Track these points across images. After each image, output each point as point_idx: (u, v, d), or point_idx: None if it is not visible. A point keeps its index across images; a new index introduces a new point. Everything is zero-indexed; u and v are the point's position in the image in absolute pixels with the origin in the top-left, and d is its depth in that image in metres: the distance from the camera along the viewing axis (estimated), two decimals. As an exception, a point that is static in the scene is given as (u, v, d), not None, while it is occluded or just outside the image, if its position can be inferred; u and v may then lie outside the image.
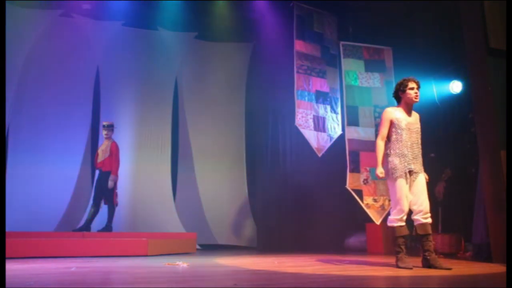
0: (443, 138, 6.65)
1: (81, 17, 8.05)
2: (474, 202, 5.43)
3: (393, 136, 4.04)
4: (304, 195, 7.93)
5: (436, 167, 6.50)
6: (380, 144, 4.07)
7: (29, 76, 7.72)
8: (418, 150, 4.04)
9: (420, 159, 4.05)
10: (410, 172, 3.96)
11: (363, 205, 6.44)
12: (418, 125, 4.13)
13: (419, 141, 4.09)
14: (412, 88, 4.07)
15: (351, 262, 4.64)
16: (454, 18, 5.79)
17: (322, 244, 7.44)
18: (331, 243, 7.54)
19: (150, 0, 8.12)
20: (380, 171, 4.00)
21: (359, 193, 6.50)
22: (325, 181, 7.72)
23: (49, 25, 7.85)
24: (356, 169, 6.59)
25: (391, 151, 4.03)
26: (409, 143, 4.01)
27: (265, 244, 7.72)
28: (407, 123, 4.04)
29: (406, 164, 3.95)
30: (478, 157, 5.14)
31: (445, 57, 6.62)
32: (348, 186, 6.53)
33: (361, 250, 7.18)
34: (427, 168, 4.16)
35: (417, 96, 4.08)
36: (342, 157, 6.78)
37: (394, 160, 3.98)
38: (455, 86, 6.52)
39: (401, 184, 3.92)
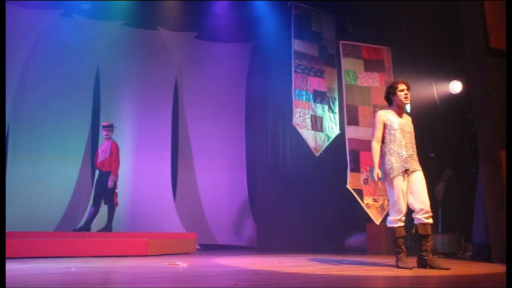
0: (443, 138, 6.65)
1: (81, 17, 8.05)
2: (474, 202, 5.43)
3: (387, 138, 4.08)
4: (304, 195, 7.93)
5: (436, 167, 6.50)
6: (376, 146, 4.11)
7: (29, 76, 7.72)
8: (412, 150, 4.07)
9: (415, 158, 4.07)
10: (407, 171, 3.97)
11: (363, 205, 6.44)
12: (411, 126, 4.16)
13: (413, 141, 4.12)
14: (402, 90, 4.11)
15: (351, 262, 4.64)
16: (454, 18, 5.79)
17: (322, 244, 7.44)
18: (331, 243, 7.54)
19: (150, 0, 8.13)
20: (377, 171, 4.01)
21: (359, 192, 6.50)
22: (325, 181, 7.72)
23: (49, 25, 7.85)
24: (356, 169, 6.59)
25: (387, 151, 4.06)
26: (403, 143, 4.03)
27: (265, 244, 7.72)
28: (399, 124, 4.09)
29: (402, 163, 3.97)
30: (478, 157, 5.14)
31: (445, 57, 6.62)
32: (349, 185, 6.52)
33: (361, 250, 7.18)
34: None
35: (407, 97, 4.12)
36: (342, 156, 6.78)
37: (391, 159, 4.00)
38: (455, 86, 6.51)
39: (399, 183, 3.94)
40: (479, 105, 5.04)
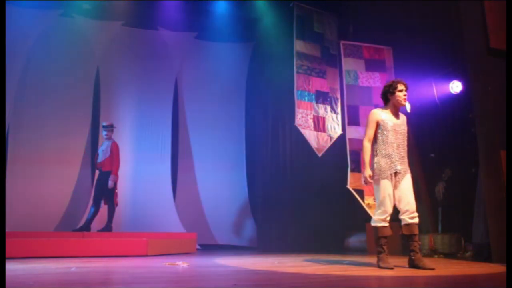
0: (443, 138, 6.65)
1: (81, 17, 8.04)
2: (474, 202, 5.43)
3: (379, 138, 4.05)
4: (304, 195, 7.93)
5: (436, 167, 6.51)
6: (367, 146, 4.08)
7: (29, 76, 7.71)
8: (404, 152, 4.05)
9: (406, 160, 4.05)
10: (396, 173, 3.96)
11: (364, 205, 6.43)
12: (404, 127, 4.13)
13: (405, 142, 4.10)
14: (401, 90, 4.07)
15: (351, 262, 4.64)
16: (454, 18, 5.79)
17: (322, 244, 7.44)
18: (331, 243, 7.54)
19: (150, 0, 8.13)
20: (368, 173, 4.00)
21: (360, 193, 6.49)
22: (325, 181, 7.72)
23: (49, 25, 7.85)
24: (357, 169, 6.58)
25: (377, 152, 4.05)
26: (395, 144, 4.01)
27: (265, 244, 7.72)
28: (393, 124, 4.05)
29: (392, 165, 3.96)
30: (478, 157, 5.14)
31: (445, 57, 6.62)
32: (349, 186, 6.51)
33: (361, 250, 7.18)
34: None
35: (405, 98, 4.09)
36: (342, 157, 6.78)
37: (381, 161, 3.99)
38: (455, 86, 6.51)
39: (386, 185, 3.93)
40: (479, 105, 5.03)
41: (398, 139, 4.03)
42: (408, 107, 6.86)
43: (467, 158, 6.07)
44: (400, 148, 4.02)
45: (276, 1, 7.96)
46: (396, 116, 4.12)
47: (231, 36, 8.69)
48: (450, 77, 6.58)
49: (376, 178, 3.98)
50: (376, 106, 6.93)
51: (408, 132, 4.18)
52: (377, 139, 4.07)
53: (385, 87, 4.20)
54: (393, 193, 3.94)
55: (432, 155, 6.55)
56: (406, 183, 3.95)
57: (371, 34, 7.53)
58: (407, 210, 3.90)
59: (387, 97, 4.15)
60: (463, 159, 6.29)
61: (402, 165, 3.98)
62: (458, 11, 5.41)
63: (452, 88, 6.57)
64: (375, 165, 4.01)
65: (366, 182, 4.07)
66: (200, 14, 8.41)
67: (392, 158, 3.97)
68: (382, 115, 4.09)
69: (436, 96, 6.77)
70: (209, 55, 8.88)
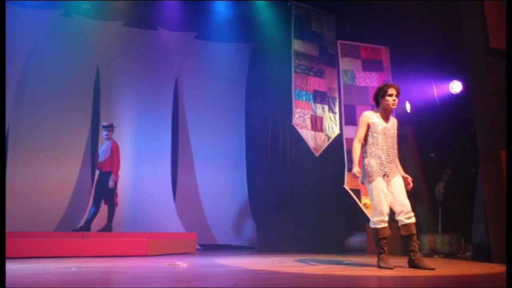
0: (443, 138, 6.65)
1: (81, 17, 8.04)
2: (474, 202, 5.43)
3: (369, 140, 4.07)
4: (304, 195, 7.93)
5: (436, 167, 6.51)
6: (357, 146, 4.09)
7: (29, 76, 7.71)
8: (393, 155, 4.07)
9: (396, 163, 4.07)
10: (385, 175, 3.97)
11: (360, 205, 6.44)
12: (394, 131, 4.15)
13: (395, 146, 4.12)
14: (391, 95, 4.05)
15: (351, 262, 4.64)
16: (454, 18, 5.79)
17: (322, 244, 7.44)
18: (331, 243, 7.54)
19: (150, 0, 8.12)
20: (357, 169, 4.01)
21: (357, 192, 6.50)
22: (326, 181, 7.72)
23: (49, 25, 7.85)
24: (353, 169, 6.59)
25: (367, 154, 4.06)
26: (385, 147, 4.03)
27: (265, 244, 7.72)
28: (383, 128, 4.07)
29: (382, 167, 3.98)
30: (478, 157, 5.13)
31: (445, 57, 6.62)
32: (346, 185, 6.52)
33: (361, 250, 7.18)
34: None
35: (394, 103, 4.07)
36: (342, 156, 6.78)
37: (371, 162, 4.00)
38: (455, 86, 6.51)
39: (379, 185, 3.94)
40: (479, 105, 5.03)
41: (387, 142, 4.06)
42: (408, 107, 6.87)
43: (467, 158, 6.07)
44: (390, 151, 4.04)
45: (274, 0, 7.97)
46: (386, 119, 4.13)
47: (230, 36, 8.69)
48: (450, 77, 6.58)
49: (368, 180, 3.99)
50: (373, 106, 6.96)
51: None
52: (367, 141, 4.09)
53: (376, 90, 4.20)
54: (386, 193, 3.95)
55: (432, 155, 6.54)
56: (397, 185, 3.97)
57: (368, 34, 7.53)
58: (402, 211, 3.91)
59: (378, 100, 4.15)
60: (463, 159, 6.29)
61: (391, 168, 4.01)
62: (458, 11, 5.40)
63: (452, 88, 6.56)
64: (366, 166, 4.02)
65: (360, 180, 4.07)
66: (200, 14, 8.41)
67: (382, 160, 3.99)
68: (373, 117, 4.10)
69: (436, 96, 6.77)
70: (209, 55, 8.88)
